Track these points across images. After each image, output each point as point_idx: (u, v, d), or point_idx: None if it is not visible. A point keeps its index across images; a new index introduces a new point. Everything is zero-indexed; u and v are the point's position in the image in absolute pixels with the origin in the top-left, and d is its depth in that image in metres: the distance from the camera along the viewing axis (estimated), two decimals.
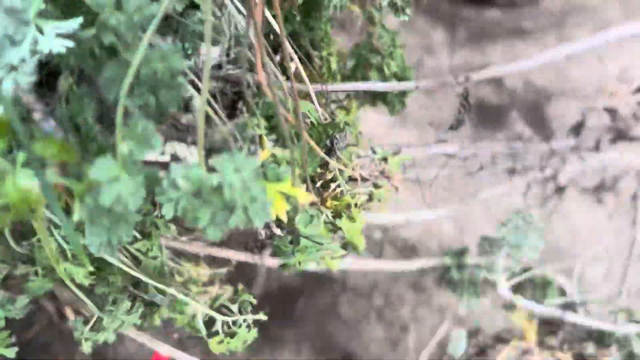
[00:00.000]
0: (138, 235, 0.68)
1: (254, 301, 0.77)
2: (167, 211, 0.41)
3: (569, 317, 1.03)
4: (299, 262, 0.65)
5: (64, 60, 0.43)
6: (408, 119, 1.74)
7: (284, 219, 0.53)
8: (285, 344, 1.59)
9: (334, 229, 0.75)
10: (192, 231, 0.79)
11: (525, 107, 1.88)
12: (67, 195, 0.42)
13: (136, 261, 0.72)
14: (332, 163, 0.67)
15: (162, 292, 0.71)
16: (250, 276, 1.64)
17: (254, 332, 0.73)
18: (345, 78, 0.90)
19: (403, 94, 0.95)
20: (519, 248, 0.89)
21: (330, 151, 0.62)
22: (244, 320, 0.72)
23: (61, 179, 0.38)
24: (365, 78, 0.89)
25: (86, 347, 0.67)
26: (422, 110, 1.78)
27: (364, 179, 0.77)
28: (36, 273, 0.65)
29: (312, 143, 0.56)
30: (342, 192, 0.72)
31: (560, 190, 1.53)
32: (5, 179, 0.36)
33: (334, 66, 0.78)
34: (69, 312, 0.90)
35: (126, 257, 0.69)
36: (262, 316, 0.76)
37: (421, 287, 1.56)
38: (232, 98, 0.66)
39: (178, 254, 0.81)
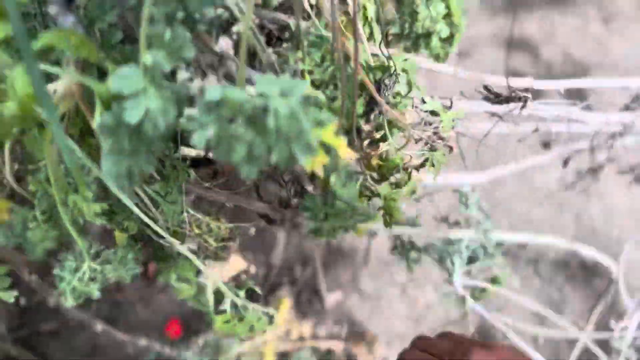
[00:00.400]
0: (156, 176, 0.61)
1: (259, 292, 0.69)
2: (199, 139, 0.33)
3: None
4: (333, 229, 0.57)
5: None
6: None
7: (320, 173, 0.45)
8: (307, 316, 1.54)
9: (372, 194, 0.67)
10: (214, 177, 0.72)
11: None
12: (85, 107, 0.35)
13: (154, 205, 0.66)
14: (380, 113, 0.59)
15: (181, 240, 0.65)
16: (270, 244, 1.58)
17: (264, 322, 0.66)
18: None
19: (450, 40, 0.86)
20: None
21: (376, 101, 0.54)
22: (253, 309, 0.65)
23: (81, 78, 0.31)
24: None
25: (70, 300, 0.58)
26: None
27: (417, 139, 0.69)
28: (35, 218, 0.58)
29: (369, 85, 0.48)
30: (389, 151, 0.64)
31: (597, 169, 1.43)
32: (7, 78, 0.29)
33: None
34: None
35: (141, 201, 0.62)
36: (271, 310, 0.68)
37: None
38: (271, 30, 0.58)
39: (199, 202, 0.74)
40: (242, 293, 0.63)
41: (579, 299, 1.61)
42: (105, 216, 0.57)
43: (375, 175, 0.63)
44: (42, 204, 0.54)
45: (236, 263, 1.57)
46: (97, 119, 0.32)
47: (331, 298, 1.55)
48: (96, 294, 0.59)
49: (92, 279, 0.58)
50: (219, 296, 0.63)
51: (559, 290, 1.61)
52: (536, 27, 1.89)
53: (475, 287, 1.09)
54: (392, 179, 0.65)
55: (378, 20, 0.75)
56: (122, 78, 0.32)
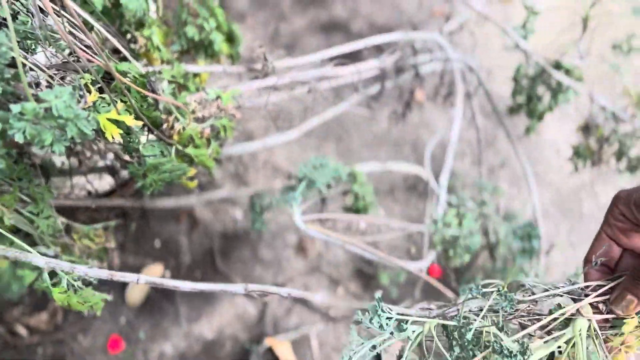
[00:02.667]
0: (27, 199, 0.87)
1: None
2: (19, 138, 0.62)
3: None
4: (154, 182, 0.87)
5: None
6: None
7: (118, 137, 0.75)
8: (222, 295, 1.80)
9: (188, 158, 0.97)
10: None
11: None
12: None
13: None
14: (166, 104, 0.89)
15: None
16: (177, 250, 1.84)
17: (100, 299, 0.85)
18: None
19: (233, 44, 1.18)
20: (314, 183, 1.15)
21: (153, 92, 0.84)
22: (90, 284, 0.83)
23: None
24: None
25: None
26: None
27: (205, 118, 1.00)
28: None
29: (134, 86, 0.78)
30: (183, 128, 0.94)
31: (408, 102, 1.81)
32: None
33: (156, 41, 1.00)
34: None
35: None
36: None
37: None
38: None
39: (71, 212, 1.01)
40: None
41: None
42: None
43: (178, 146, 0.93)
44: None
45: (154, 270, 1.83)
46: None
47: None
48: None
49: None
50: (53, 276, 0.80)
51: (416, 208, 1.99)
52: (341, 8, 2.28)
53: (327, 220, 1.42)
54: (193, 144, 0.95)
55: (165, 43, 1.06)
56: None
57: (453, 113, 1.25)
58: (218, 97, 1.01)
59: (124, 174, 1.05)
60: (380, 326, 0.64)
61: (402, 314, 0.65)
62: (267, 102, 1.08)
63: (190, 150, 0.94)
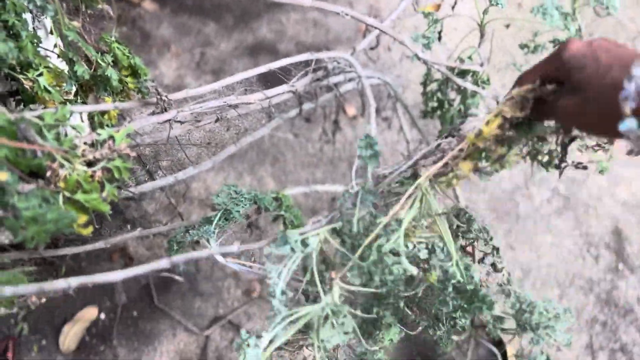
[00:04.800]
0: None
1: None
2: None
3: None
4: (37, 234, 0.82)
5: None
6: None
7: None
8: (162, 332, 1.75)
9: (79, 204, 0.93)
10: None
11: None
12: None
13: None
14: (46, 151, 0.85)
15: None
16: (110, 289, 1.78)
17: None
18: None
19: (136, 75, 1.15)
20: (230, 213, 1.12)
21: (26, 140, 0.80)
22: None
23: None
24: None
25: None
26: None
27: (96, 160, 0.96)
28: None
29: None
30: (69, 173, 0.90)
31: (336, 120, 1.81)
32: None
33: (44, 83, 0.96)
34: None
35: None
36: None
37: None
38: None
39: None
40: None
41: None
42: None
43: (66, 193, 0.89)
44: None
45: (88, 314, 1.76)
46: None
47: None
48: None
49: None
50: None
51: None
52: (267, 30, 2.27)
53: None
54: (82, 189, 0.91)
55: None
56: None
57: (368, 129, 1.25)
58: (111, 137, 0.97)
59: None
60: (291, 249, 0.81)
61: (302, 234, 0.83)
62: (169, 137, 1.05)
63: (79, 196, 0.90)
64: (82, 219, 0.91)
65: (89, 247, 1.10)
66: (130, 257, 1.82)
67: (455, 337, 0.92)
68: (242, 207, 1.14)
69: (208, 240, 1.18)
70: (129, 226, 1.82)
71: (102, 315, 1.76)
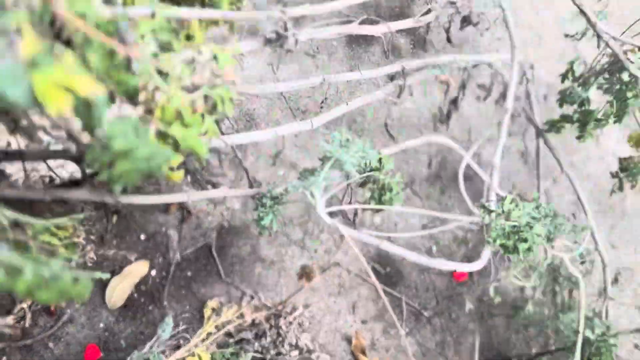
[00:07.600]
0: None
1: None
2: None
3: None
4: (126, 173, 0.62)
5: None
6: None
7: (67, 112, 0.50)
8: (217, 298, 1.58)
9: (168, 137, 0.72)
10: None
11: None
12: None
13: None
14: (142, 67, 0.65)
15: None
16: (165, 244, 1.61)
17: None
18: None
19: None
20: (341, 163, 0.92)
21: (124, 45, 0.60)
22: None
23: None
24: None
25: None
26: None
27: (196, 86, 0.75)
28: None
29: (97, 34, 0.53)
30: (167, 99, 0.70)
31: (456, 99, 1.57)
32: None
33: None
34: None
35: None
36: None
37: None
38: None
39: (20, 205, 0.77)
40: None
41: (458, 203, 1.76)
42: None
43: (160, 125, 0.69)
44: None
45: (138, 269, 1.59)
46: None
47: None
48: None
49: None
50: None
51: (437, 202, 1.75)
52: None
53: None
54: (181, 121, 0.70)
55: None
56: None
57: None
58: (215, 58, 0.76)
59: None
60: None
61: None
62: (276, 69, 0.84)
63: (175, 129, 0.70)
64: (176, 159, 0.70)
65: (166, 197, 0.91)
66: (188, 211, 1.64)
67: None
68: (354, 160, 0.93)
69: (312, 194, 0.98)
70: (188, 177, 1.63)
71: (153, 272, 1.59)
